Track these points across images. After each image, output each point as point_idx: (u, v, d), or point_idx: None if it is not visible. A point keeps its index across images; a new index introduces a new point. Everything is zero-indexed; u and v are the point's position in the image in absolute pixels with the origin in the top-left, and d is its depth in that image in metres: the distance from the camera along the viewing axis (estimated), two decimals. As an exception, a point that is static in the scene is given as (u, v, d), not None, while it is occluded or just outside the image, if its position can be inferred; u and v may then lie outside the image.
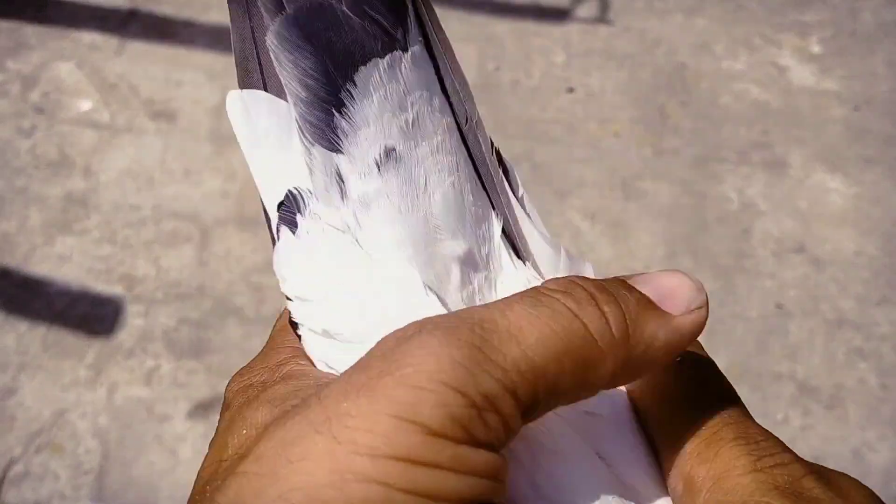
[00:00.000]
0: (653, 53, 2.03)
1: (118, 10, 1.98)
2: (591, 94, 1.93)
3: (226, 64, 1.89)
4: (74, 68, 1.88)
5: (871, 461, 1.56)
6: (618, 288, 0.32)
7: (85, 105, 1.82)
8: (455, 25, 2.01)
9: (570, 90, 1.94)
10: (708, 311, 0.35)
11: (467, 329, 0.29)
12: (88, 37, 1.93)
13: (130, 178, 1.71)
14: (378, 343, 0.29)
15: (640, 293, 0.32)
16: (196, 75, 1.88)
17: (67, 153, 1.74)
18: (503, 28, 2.05)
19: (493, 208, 0.35)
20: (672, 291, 0.34)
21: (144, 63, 1.89)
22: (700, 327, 0.34)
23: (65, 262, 1.61)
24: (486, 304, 0.31)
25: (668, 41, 2.05)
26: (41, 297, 1.57)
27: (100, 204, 1.68)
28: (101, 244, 1.64)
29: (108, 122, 1.79)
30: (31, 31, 1.93)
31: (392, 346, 0.28)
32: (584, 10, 2.09)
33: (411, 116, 0.33)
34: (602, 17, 2.08)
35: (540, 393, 0.29)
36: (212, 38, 1.94)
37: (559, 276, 0.35)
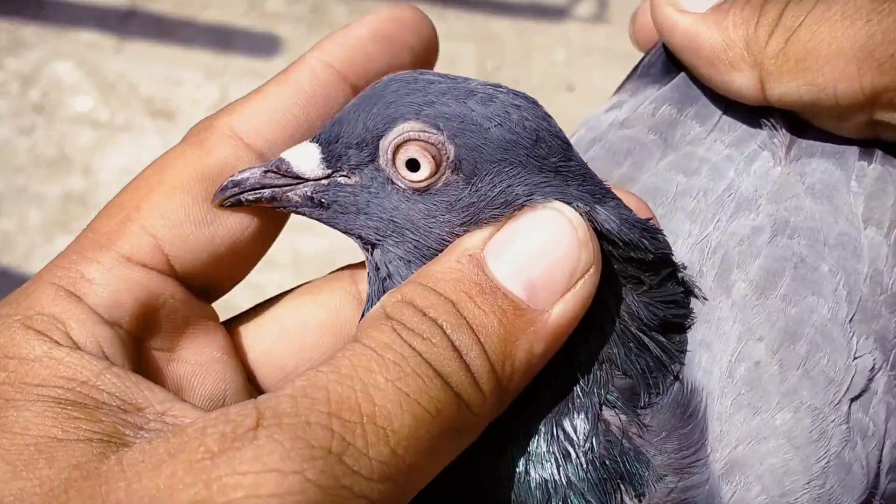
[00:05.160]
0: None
1: (117, 9, 1.98)
2: (591, 92, 1.93)
3: (225, 62, 1.89)
4: (73, 67, 1.87)
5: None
6: (474, 305, 0.28)
7: (84, 104, 1.82)
8: (454, 24, 2.01)
9: (571, 89, 1.93)
10: (598, 268, 0.32)
11: (321, 428, 0.24)
12: (87, 36, 1.93)
13: (130, 176, 1.70)
14: (196, 432, 0.24)
15: (502, 302, 0.29)
16: (195, 74, 1.87)
17: (67, 152, 1.74)
18: (503, 27, 2.05)
19: None
20: (544, 272, 0.30)
21: (143, 62, 1.89)
22: (589, 300, 0.30)
23: (64, 262, 1.61)
24: (336, 368, 0.26)
25: (667, 40, 2.05)
26: (41, 297, 1.56)
27: (99, 203, 1.67)
28: (101, 243, 1.64)
29: (107, 121, 1.79)
30: (30, 30, 1.93)
31: (216, 449, 0.23)
32: (582, 9, 2.09)
33: None
34: (601, 16, 2.08)
35: (409, 495, 0.26)
36: (211, 36, 1.94)
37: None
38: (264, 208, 0.37)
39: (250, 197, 0.36)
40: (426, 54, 0.40)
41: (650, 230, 0.36)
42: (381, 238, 0.36)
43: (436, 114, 0.35)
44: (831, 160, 0.39)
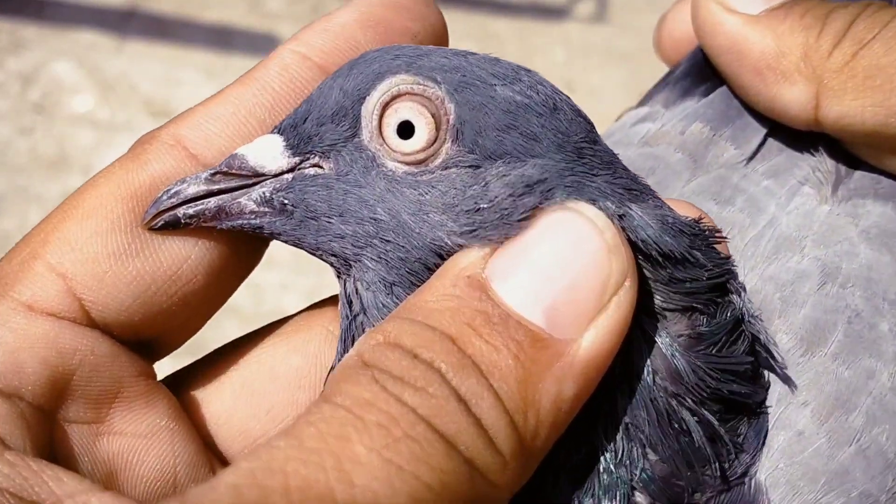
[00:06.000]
0: (652, 51, 2.03)
1: (117, 9, 1.98)
2: (591, 92, 1.93)
3: (225, 62, 1.89)
4: (74, 67, 1.87)
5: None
6: (480, 340, 0.22)
7: (84, 104, 1.82)
8: (455, 24, 2.00)
9: (571, 89, 1.94)
10: (635, 280, 0.24)
11: None
12: (88, 36, 1.93)
13: (130, 176, 1.71)
14: None
15: (516, 333, 0.22)
16: (195, 74, 1.87)
17: (67, 152, 1.74)
18: (503, 27, 2.05)
19: None
20: (566, 290, 0.23)
21: (143, 62, 1.89)
22: (627, 323, 0.24)
23: (64, 261, 1.61)
24: (298, 440, 0.19)
25: (667, 40, 2.05)
26: (41, 296, 1.56)
27: (99, 203, 1.68)
28: (101, 243, 1.64)
29: (107, 121, 1.79)
30: (30, 31, 1.93)
31: None
32: (582, 9, 2.09)
33: None
34: (601, 16, 2.08)
35: None
36: (211, 37, 1.94)
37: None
38: (216, 231, 0.29)
39: (190, 211, 0.28)
40: (433, 42, 0.32)
41: (703, 236, 0.27)
42: (358, 250, 0.28)
43: (432, 65, 0.28)
44: (889, 204, 0.32)
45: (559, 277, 0.23)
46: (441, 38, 0.32)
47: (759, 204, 0.33)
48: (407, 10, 0.31)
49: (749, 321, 0.28)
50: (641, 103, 0.40)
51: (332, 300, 0.33)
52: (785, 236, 0.32)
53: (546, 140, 0.27)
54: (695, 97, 0.37)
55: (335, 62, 0.30)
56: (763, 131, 0.35)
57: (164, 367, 0.33)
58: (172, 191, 0.28)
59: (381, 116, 0.27)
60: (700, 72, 0.38)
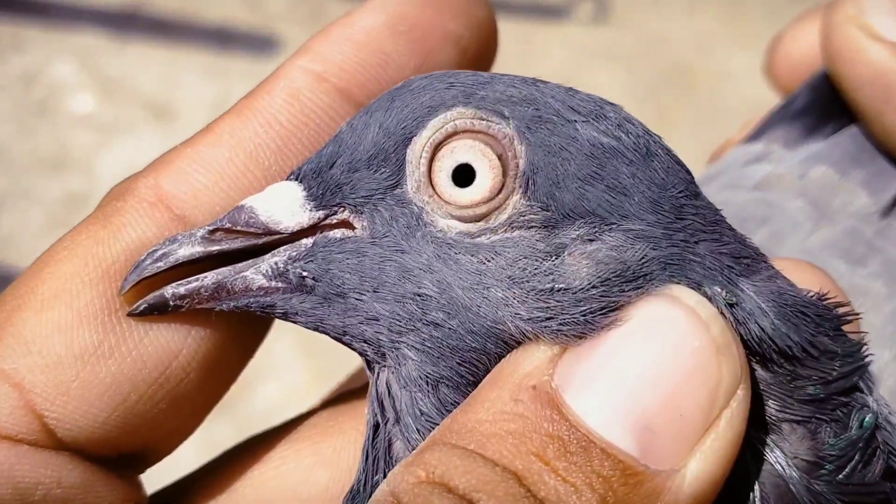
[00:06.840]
0: (652, 52, 2.03)
1: (119, 10, 1.99)
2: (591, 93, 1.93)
3: (225, 62, 1.89)
4: (75, 68, 1.88)
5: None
6: (553, 477, 0.16)
7: (85, 104, 1.82)
8: (455, 25, 2.01)
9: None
10: (749, 389, 0.19)
11: None
12: (88, 36, 1.93)
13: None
14: None
15: (600, 466, 0.16)
16: (196, 74, 1.88)
17: (68, 152, 1.75)
18: (502, 28, 2.04)
19: None
20: (663, 406, 0.17)
21: (145, 62, 1.89)
22: (738, 444, 0.18)
23: (65, 262, 1.61)
24: None
25: (667, 40, 2.05)
26: (41, 297, 1.56)
27: (100, 203, 1.68)
28: (102, 243, 1.64)
29: (108, 122, 1.80)
30: (31, 31, 1.93)
31: None
32: (583, 10, 2.10)
33: None
34: (601, 17, 2.08)
35: None
36: (212, 37, 1.94)
37: None
38: (213, 312, 0.22)
39: (181, 290, 0.22)
40: (479, 49, 0.25)
41: (831, 318, 0.21)
42: (397, 336, 0.22)
43: (497, 96, 0.23)
44: None
45: (654, 388, 0.18)
46: (491, 40, 0.25)
47: None
48: (447, 5, 0.25)
49: (886, 430, 0.21)
50: (754, 138, 0.35)
51: (364, 390, 0.26)
52: None
53: (638, 195, 0.22)
54: (821, 137, 0.31)
55: (360, 83, 0.24)
56: None
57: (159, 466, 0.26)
58: (159, 252, 0.22)
59: (431, 159, 0.22)
60: (826, 105, 0.32)
